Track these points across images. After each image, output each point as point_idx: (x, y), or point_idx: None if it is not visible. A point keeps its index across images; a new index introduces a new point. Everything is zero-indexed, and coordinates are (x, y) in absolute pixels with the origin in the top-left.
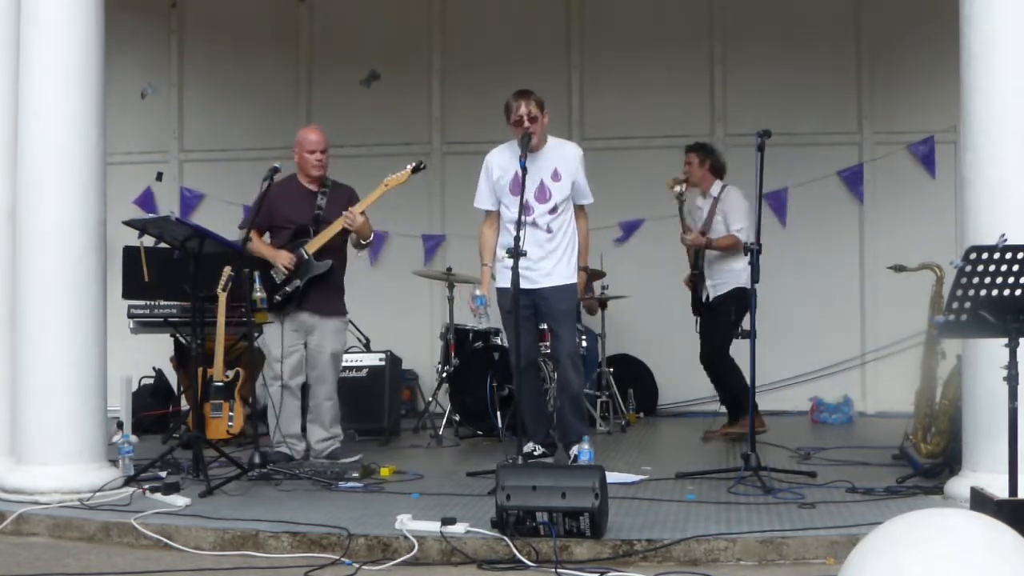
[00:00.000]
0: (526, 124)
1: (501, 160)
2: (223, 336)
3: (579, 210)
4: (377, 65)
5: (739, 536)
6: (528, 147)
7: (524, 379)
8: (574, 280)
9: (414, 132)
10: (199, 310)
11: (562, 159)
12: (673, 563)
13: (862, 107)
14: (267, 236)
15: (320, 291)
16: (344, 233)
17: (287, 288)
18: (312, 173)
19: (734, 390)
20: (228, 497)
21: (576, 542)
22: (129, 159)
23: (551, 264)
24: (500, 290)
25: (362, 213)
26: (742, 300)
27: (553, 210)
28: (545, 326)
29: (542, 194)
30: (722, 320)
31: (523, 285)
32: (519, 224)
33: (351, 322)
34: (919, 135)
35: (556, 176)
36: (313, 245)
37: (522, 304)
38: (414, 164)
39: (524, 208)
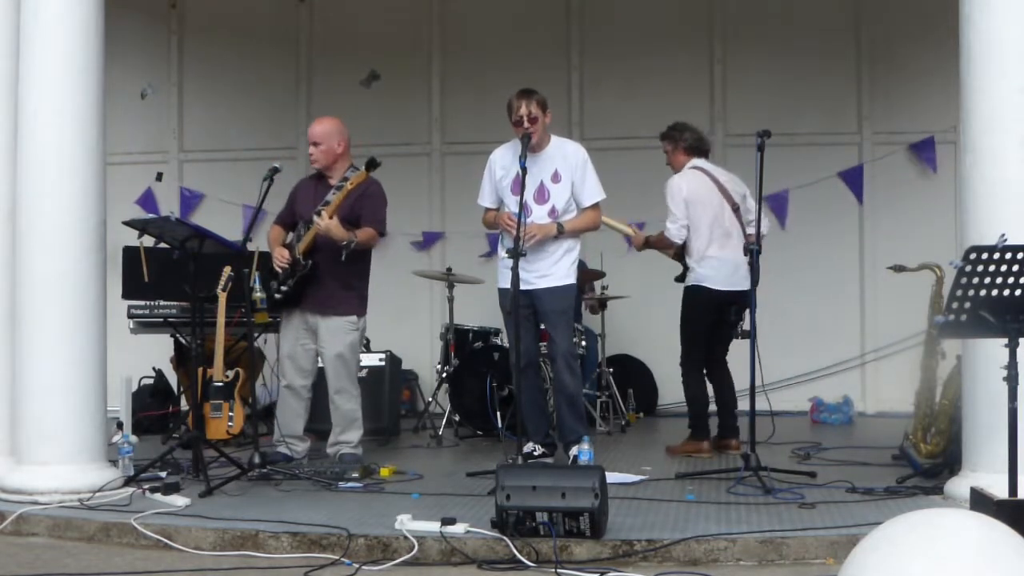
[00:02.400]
0: (526, 124)
1: (504, 160)
2: (223, 336)
3: (590, 210)
4: (377, 65)
5: (739, 536)
6: (528, 147)
7: (524, 379)
8: (571, 281)
9: (414, 132)
10: (199, 310)
11: (562, 160)
12: (673, 563)
13: (862, 107)
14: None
15: (315, 291)
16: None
17: (283, 287)
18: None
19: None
20: (228, 497)
21: (576, 542)
22: (129, 159)
23: (548, 265)
24: (500, 290)
25: (332, 216)
26: (689, 298)
27: (552, 212)
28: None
29: (541, 195)
30: (683, 320)
31: (521, 286)
32: (519, 225)
33: None
34: (919, 135)
35: (556, 178)
36: (301, 245)
37: (522, 304)
38: (367, 161)
39: (523, 209)
